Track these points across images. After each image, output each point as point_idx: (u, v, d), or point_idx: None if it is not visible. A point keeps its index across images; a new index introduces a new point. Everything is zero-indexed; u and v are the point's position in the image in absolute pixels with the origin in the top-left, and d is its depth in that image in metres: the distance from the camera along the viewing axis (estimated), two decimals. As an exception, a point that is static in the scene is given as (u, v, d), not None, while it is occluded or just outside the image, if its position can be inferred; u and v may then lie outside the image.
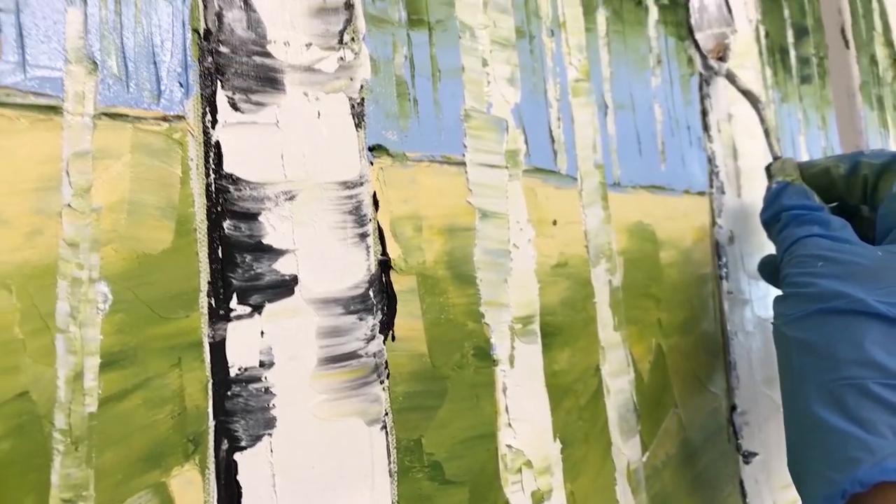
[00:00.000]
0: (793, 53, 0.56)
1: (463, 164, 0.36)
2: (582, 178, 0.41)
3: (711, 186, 0.48)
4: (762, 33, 0.54)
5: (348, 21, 0.33)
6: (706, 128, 0.48)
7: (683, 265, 0.45)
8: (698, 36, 0.49)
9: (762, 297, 0.49)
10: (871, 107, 0.61)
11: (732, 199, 0.48)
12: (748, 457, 0.46)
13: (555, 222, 0.39)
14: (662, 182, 0.45)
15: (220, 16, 0.30)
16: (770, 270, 0.43)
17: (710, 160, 0.48)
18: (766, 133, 0.46)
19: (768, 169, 0.43)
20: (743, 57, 0.51)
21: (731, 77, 0.49)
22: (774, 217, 0.40)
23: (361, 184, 0.32)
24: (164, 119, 0.28)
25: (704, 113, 0.48)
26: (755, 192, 0.50)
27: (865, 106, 0.60)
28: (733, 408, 0.46)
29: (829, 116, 0.58)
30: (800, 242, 0.38)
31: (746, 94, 0.48)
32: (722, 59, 0.49)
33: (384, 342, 0.32)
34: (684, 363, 0.44)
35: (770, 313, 0.49)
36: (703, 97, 0.48)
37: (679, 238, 0.45)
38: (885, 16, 0.65)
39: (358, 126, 0.33)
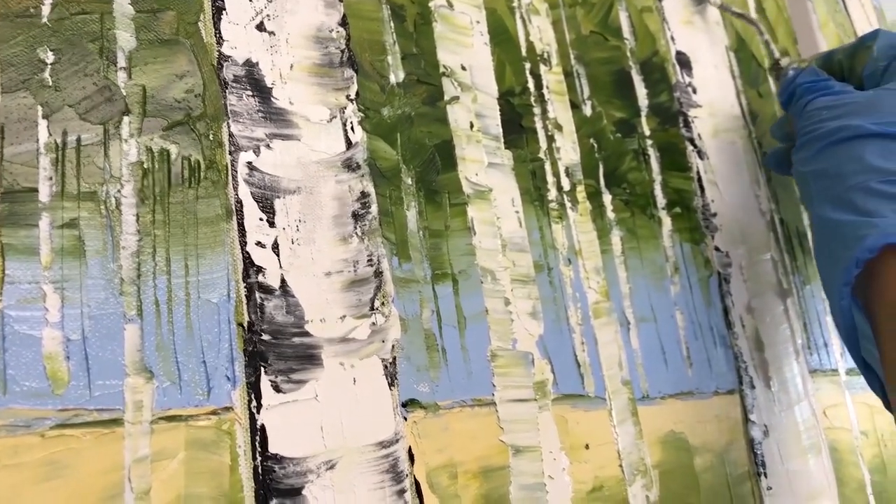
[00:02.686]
0: (809, 235, 0.58)
1: (493, 403, 0.38)
2: (610, 397, 0.42)
3: (741, 383, 0.49)
4: (777, 222, 0.56)
5: (378, 288, 0.36)
6: (729, 325, 0.50)
7: (719, 468, 0.46)
8: None
9: (804, 488, 0.49)
10: None
11: (763, 393, 0.50)
12: None
13: (587, 446, 0.40)
14: (691, 387, 0.46)
15: (261, 307, 0.33)
16: (782, 127, 0.52)
17: (737, 356, 0.49)
18: (767, 43, 0.54)
19: (773, 67, 0.53)
20: (761, 250, 0.54)
21: (725, 7, 0.57)
22: (790, 96, 0.49)
23: (397, 441, 0.35)
24: (214, 413, 0.31)
25: (726, 311, 0.50)
26: (784, 381, 0.51)
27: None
28: None
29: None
30: (809, 104, 0.46)
31: (742, 16, 0.56)
32: None
33: None
34: (730, 570, 0.44)
35: (814, 505, 0.50)
36: (724, 295, 0.50)
37: (713, 441, 0.46)
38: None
39: (391, 385, 0.35)
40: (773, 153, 0.53)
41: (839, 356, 0.56)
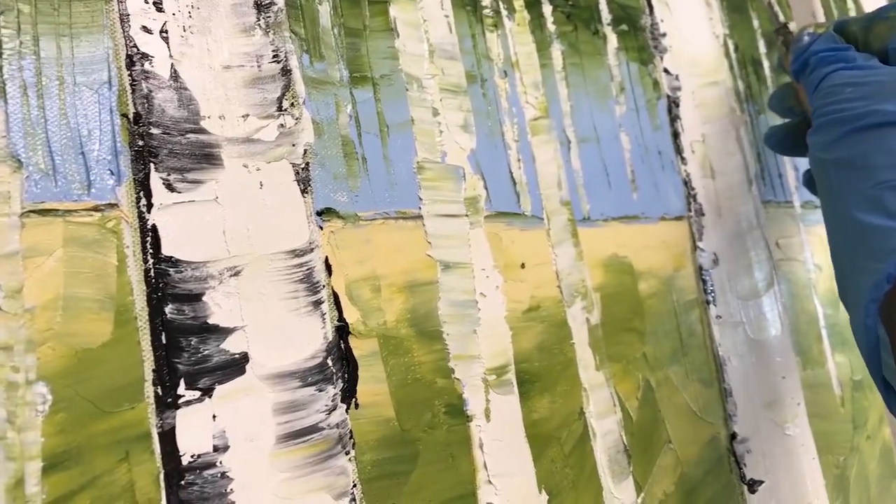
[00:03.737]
0: (766, 64, 0.55)
1: (420, 217, 0.35)
2: (548, 217, 0.40)
3: (690, 210, 0.46)
4: (731, 47, 0.53)
5: (286, 87, 0.33)
6: (679, 150, 0.47)
7: (666, 294, 0.44)
8: None
9: (754, 318, 0.48)
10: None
11: (713, 221, 0.47)
12: (753, 485, 0.45)
13: (523, 265, 0.38)
14: (636, 211, 0.44)
15: (149, 98, 0.29)
16: (783, 101, 0.46)
17: (686, 183, 0.47)
18: (771, 5, 0.49)
19: (779, 31, 0.46)
20: (713, 74, 0.50)
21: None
22: (804, 64, 0.42)
23: (311, 250, 0.32)
24: (96, 209, 0.27)
25: (676, 135, 0.47)
26: (737, 210, 0.49)
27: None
28: (733, 436, 0.45)
29: (810, 123, 0.57)
30: (827, 78, 0.40)
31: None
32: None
33: (347, 411, 0.31)
34: (675, 396, 0.42)
35: (764, 335, 0.48)
36: (673, 119, 0.47)
37: (659, 267, 0.44)
38: (861, 13, 0.64)
39: (304, 192, 0.32)
40: (774, 132, 0.47)
41: (794, 188, 0.54)
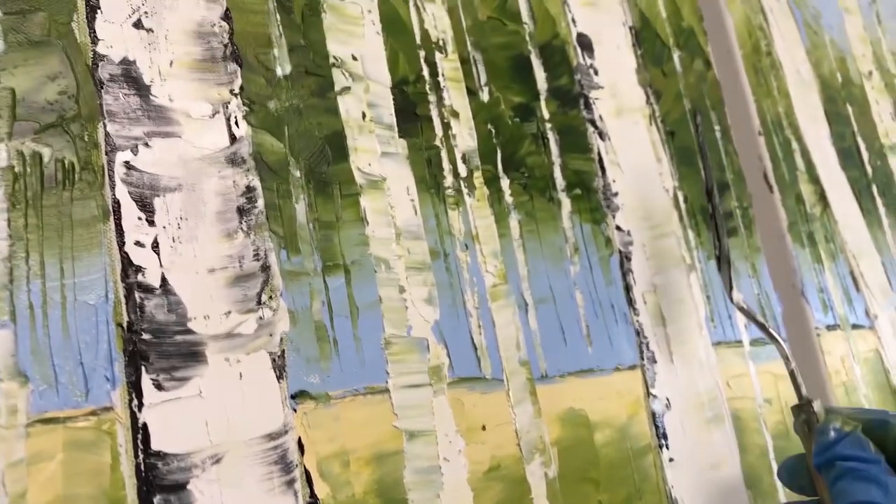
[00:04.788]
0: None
1: (386, 390, 0.39)
2: (508, 378, 0.43)
3: (642, 358, 0.50)
4: (681, 199, 0.57)
5: (265, 282, 0.37)
6: (631, 302, 0.51)
7: (620, 442, 0.47)
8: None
9: (706, 457, 0.51)
10: (802, 245, 0.64)
11: (665, 366, 0.51)
12: None
13: (484, 427, 0.41)
14: (591, 364, 0.47)
15: (141, 307, 0.33)
16: (794, 477, 0.42)
17: (639, 332, 0.51)
18: (793, 373, 0.44)
19: (801, 408, 0.42)
20: (663, 226, 0.55)
21: (748, 312, 0.48)
22: (828, 462, 0.39)
23: (286, 432, 0.35)
24: (93, 413, 0.31)
25: (628, 288, 0.51)
26: (688, 354, 0.53)
27: (796, 245, 0.63)
28: (686, 575, 0.48)
29: (759, 263, 0.61)
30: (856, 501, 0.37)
31: (764, 329, 0.46)
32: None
33: (317, 583, 0.34)
34: (630, 540, 0.46)
35: (715, 472, 0.51)
36: (626, 273, 0.51)
37: (613, 416, 0.47)
38: (807, 154, 0.69)
39: (280, 378, 0.36)
40: (792, 469, 0.42)
41: (743, 328, 0.57)
